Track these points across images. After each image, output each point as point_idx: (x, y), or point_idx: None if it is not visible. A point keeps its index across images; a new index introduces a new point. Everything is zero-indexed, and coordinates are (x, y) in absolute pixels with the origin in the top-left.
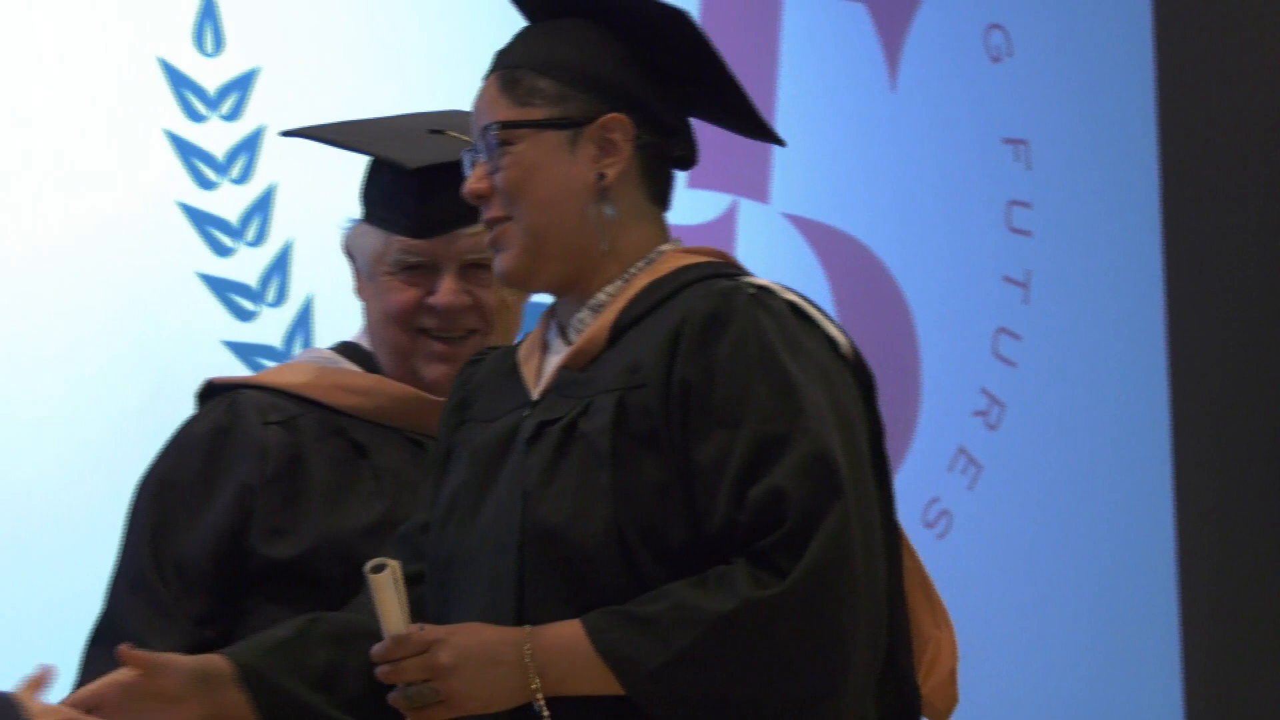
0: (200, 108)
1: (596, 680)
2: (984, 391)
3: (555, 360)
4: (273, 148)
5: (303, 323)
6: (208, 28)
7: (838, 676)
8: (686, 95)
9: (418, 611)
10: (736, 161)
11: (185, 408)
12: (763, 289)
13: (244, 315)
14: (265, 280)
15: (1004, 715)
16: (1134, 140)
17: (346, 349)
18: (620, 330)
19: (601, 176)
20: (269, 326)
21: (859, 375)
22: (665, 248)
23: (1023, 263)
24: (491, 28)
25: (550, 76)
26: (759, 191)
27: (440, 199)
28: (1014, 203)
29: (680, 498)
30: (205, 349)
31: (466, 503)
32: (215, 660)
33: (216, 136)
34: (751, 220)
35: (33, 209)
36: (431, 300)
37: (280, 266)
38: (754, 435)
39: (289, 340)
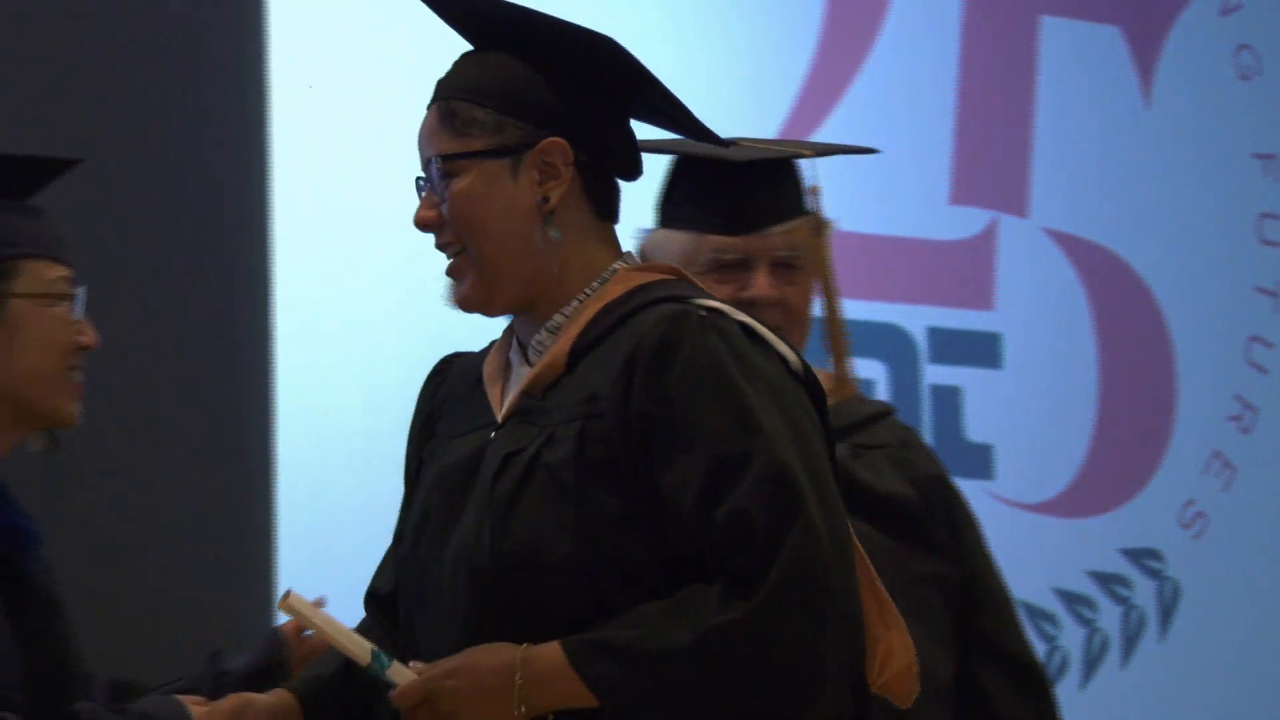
0: None
1: (582, 700)
2: (1237, 398)
3: (518, 383)
4: None
5: None
6: None
7: (811, 692)
8: (623, 109)
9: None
10: (996, 178)
11: None
12: (714, 310)
13: None
14: None
15: (1258, 714)
16: None
17: None
18: (577, 355)
19: (545, 200)
20: None
21: (811, 391)
22: (617, 266)
23: (1274, 273)
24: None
25: (486, 106)
26: (1018, 207)
27: (754, 197)
28: (1265, 215)
29: (642, 524)
30: None
31: (437, 525)
32: (285, 696)
33: None
34: (1011, 235)
35: (328, 225)
36: (746, 294)
37: None
38: (713, 457)
39: None
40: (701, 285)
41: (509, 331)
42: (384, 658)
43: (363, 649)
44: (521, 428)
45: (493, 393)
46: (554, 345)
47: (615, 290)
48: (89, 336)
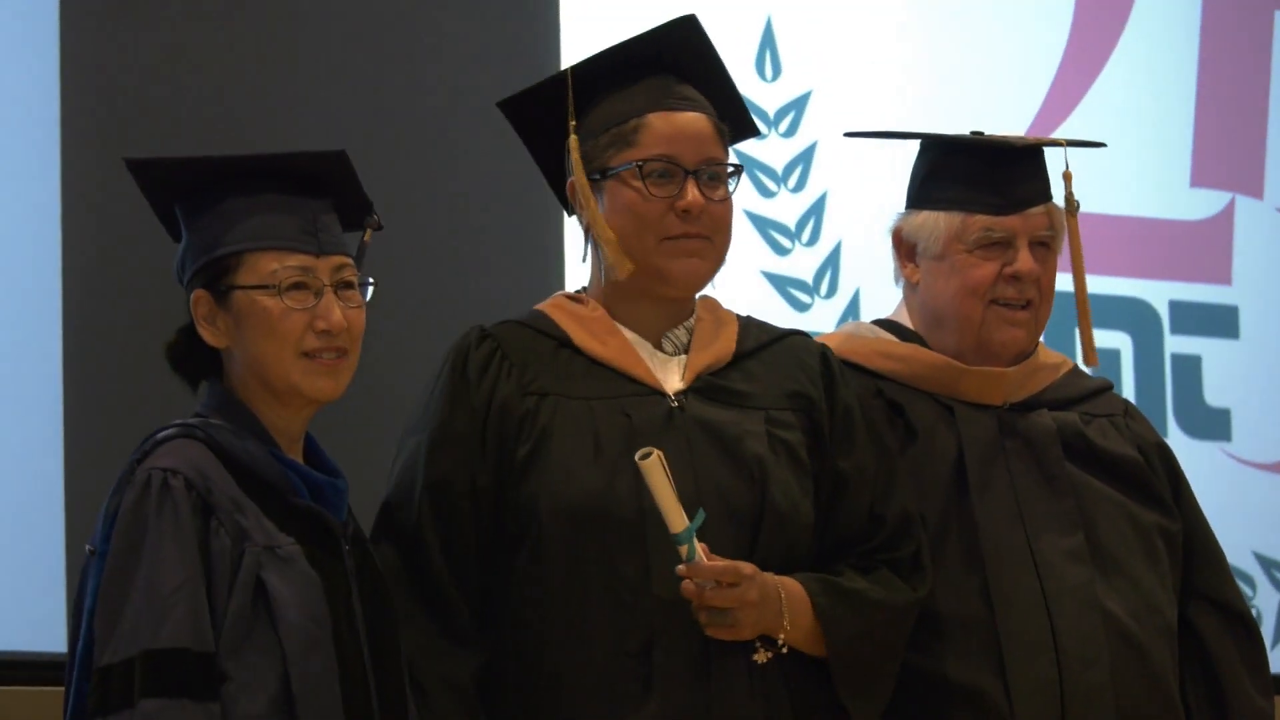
0: (761, 126)
1: (808, 634)
2: None
3: (667, 363)
4: (824, 159)
5: (852, 312)
6: (767, 57)
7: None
8: None
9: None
10: (1234, 162)
11: None
12: None
13: (801, 307)
14: (819, 276)
15: None
16: None
17: (883, 324)
18: (739, 356)
19: None
20: (822, 316)
21: None
22: None
23: None
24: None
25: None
26: (1254, 188)
27: (1020, 179)
28: None
29: (818, 503)
30: None
31: (630, 467)
32: None
33: (776, 151)
34: (1248, 215)
35: None
36: (1011, 269)
37: (832, 263)
38: (877, 466)
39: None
40: (966, 264)
41: (604, 321)
42: (695, 534)
43: (681, 518)
44: (718, 404)
45: (634, 369)
46: (709, 344)
47: (726, 312)
48: (325, 320)
